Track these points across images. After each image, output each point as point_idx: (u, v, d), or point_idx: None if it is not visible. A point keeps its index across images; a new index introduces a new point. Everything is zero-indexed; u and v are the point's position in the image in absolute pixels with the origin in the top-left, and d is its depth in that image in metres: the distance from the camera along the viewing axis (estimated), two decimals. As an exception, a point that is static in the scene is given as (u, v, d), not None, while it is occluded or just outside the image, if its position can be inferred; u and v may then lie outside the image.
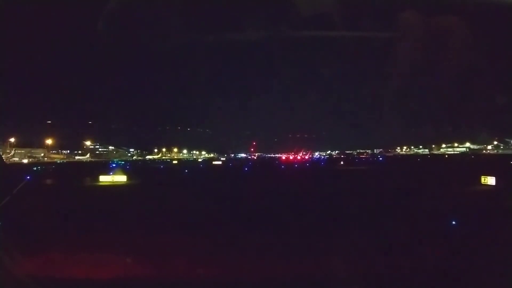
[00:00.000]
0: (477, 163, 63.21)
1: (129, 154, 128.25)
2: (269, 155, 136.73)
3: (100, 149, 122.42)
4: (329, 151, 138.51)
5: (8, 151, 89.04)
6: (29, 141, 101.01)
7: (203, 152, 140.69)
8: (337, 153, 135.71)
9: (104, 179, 44.04)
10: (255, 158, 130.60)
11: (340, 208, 21.80)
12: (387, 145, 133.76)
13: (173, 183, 41.03)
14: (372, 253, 12.66)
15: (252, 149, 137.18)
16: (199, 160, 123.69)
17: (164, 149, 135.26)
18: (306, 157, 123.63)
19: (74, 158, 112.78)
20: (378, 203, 23.00)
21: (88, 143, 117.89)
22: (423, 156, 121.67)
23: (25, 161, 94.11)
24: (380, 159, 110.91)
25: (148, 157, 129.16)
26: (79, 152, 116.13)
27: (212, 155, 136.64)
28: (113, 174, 48.38)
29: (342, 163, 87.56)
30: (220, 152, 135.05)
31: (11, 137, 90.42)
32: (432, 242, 13.58)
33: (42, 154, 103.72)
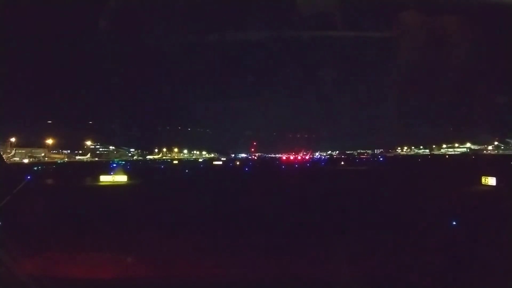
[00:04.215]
0: (478, 164, 63.13)
1: (129, 154, 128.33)
2: (269, 155, 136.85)
3: (100, 149, 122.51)
4: (330, 151, 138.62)
5: (8, 151, 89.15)
6: (30, 141, 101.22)
7: (204, 152, 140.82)
8: (338, 153, 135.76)
9: (104, 179, 44.09)
10: (255, 158, 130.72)
11: (341, 209, 21.77)
12: (387, 145, 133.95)
13: (174, 183, 41.04)
14: (372, 254, 12.65)
15: (252, 149, 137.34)
16: (200, 160, 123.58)
17: (164, 149, 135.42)
18: (307, 157, 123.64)
19: (75, 158, 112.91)
20: (379, 204, 22.98)
21: (88, 143, 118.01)
22: (424, 156, 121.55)
23: (26, 161, 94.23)
24: (381, 159, 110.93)
25: (148, 157, 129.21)
26: (80, 152, 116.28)
27: (212, 155, 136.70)
28: (114, 174, 48.42)
29: (342, 163, 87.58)
30: (221, 152, 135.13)
31: (12, 137, 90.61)
32: (432, 242, 13.56)
33: (43, 154, 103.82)
